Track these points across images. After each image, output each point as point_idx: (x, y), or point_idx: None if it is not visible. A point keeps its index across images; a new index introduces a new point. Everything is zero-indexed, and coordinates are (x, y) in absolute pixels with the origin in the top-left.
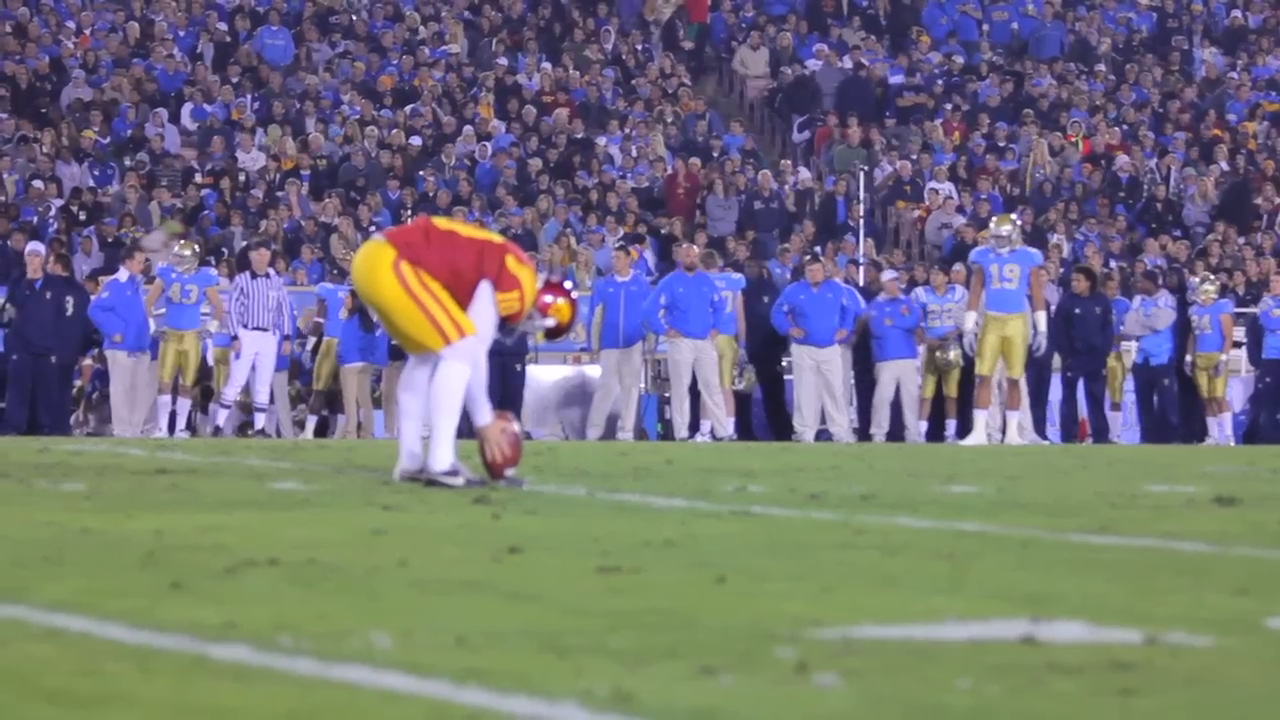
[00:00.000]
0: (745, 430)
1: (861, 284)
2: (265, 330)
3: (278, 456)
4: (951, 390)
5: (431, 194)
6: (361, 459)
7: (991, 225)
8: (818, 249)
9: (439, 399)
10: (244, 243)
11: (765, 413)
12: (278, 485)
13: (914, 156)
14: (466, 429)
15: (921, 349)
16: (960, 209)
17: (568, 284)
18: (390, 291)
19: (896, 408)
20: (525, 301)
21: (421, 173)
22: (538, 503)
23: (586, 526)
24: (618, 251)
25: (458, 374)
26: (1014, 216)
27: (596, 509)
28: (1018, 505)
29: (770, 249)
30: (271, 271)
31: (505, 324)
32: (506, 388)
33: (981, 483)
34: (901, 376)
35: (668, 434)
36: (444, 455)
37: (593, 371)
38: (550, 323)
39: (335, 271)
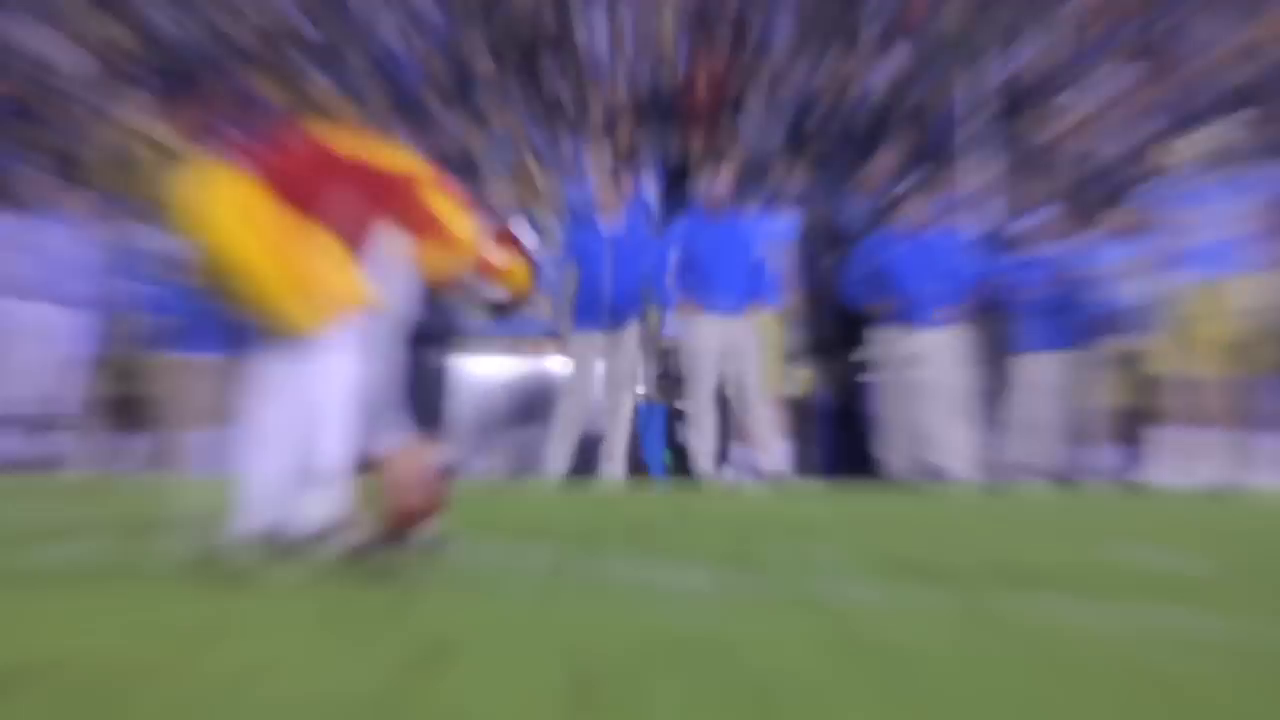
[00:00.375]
0: (804, 461)
1: (984, 234)
2: None
3: (34, 500)
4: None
5: (318, 97)
6: (169, 505)
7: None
8: (915, 179)
9: (313, 413)
10: None
11: (834, 433)
12: (37, 552)
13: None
14: (358, 461)
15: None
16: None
17: (523, 233)
18: (234, 239)
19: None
20: (458, 259)
21: (305, 64)
22: (471, 580)
23: (548, 618)
24: (603, 183)
25: (342, 374)
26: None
27: (564, 591)
28: (1252, 584)
29: (839, 179)
30: None
31: (427, 294)
32: (423, 396)
33: (1192, 544)
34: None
35: (681, 467)
36: (317, 506)
37: (559, 367)
38: (496, 292)
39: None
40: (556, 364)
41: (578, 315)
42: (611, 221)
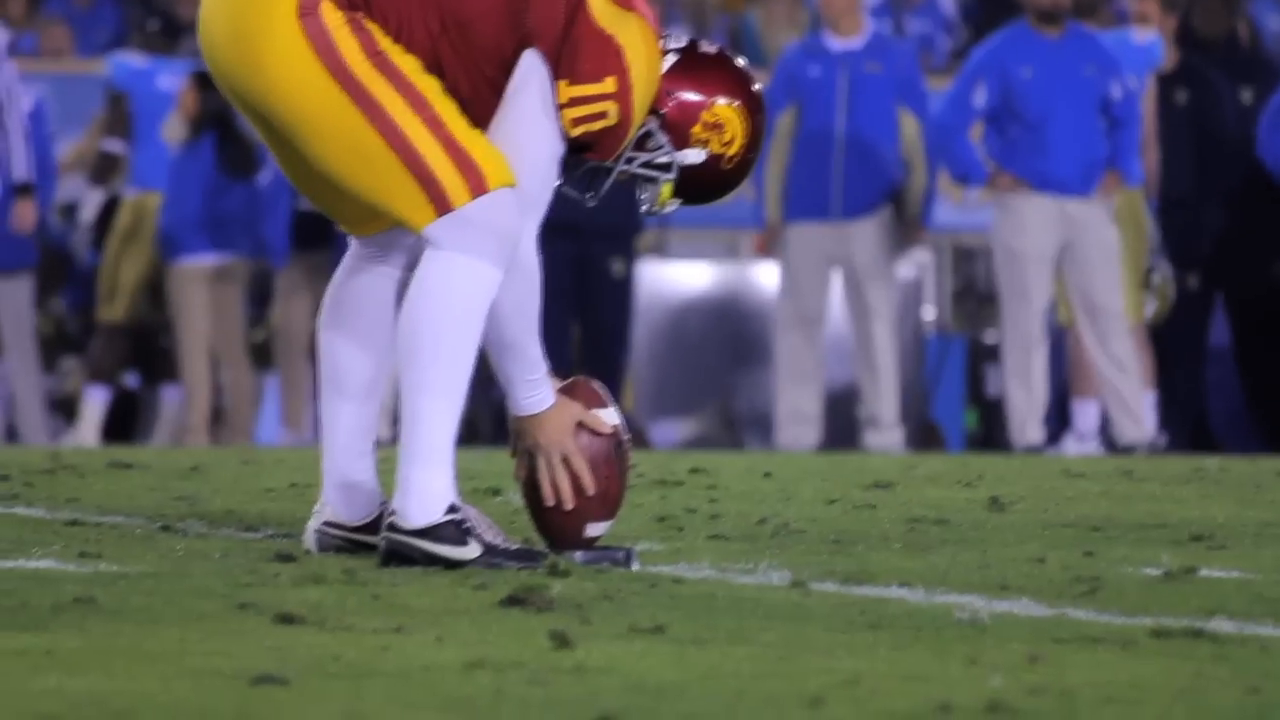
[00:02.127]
0: (1178, 425)
1: None
2: None
3: (11, 491)
4: None
5: None
6: (219, 492)
7: None
8: None
9: (421, 348)
10: None
11: (1233, 382)
12: (27, 563)
13: None
14: (489, 424)
15: None
16: None
17: (737, 59)
18: (299, 83)
19: None
20: (633, 104)
21: None
22: (664, 608)
23: (783, 666)
24: None
25: (468, 286)
26: None
27: (812, 623)
28: None
29: None
30: None
31: (583, 162)
32: (592, 322)
33: None
34: None
35: (991, 434)
36: (430, 489)
37: (768, 279)
38: (696, 155)
39: (149, 34)
40: (765, 275)
41: (796, 197)
42: (847, 36)
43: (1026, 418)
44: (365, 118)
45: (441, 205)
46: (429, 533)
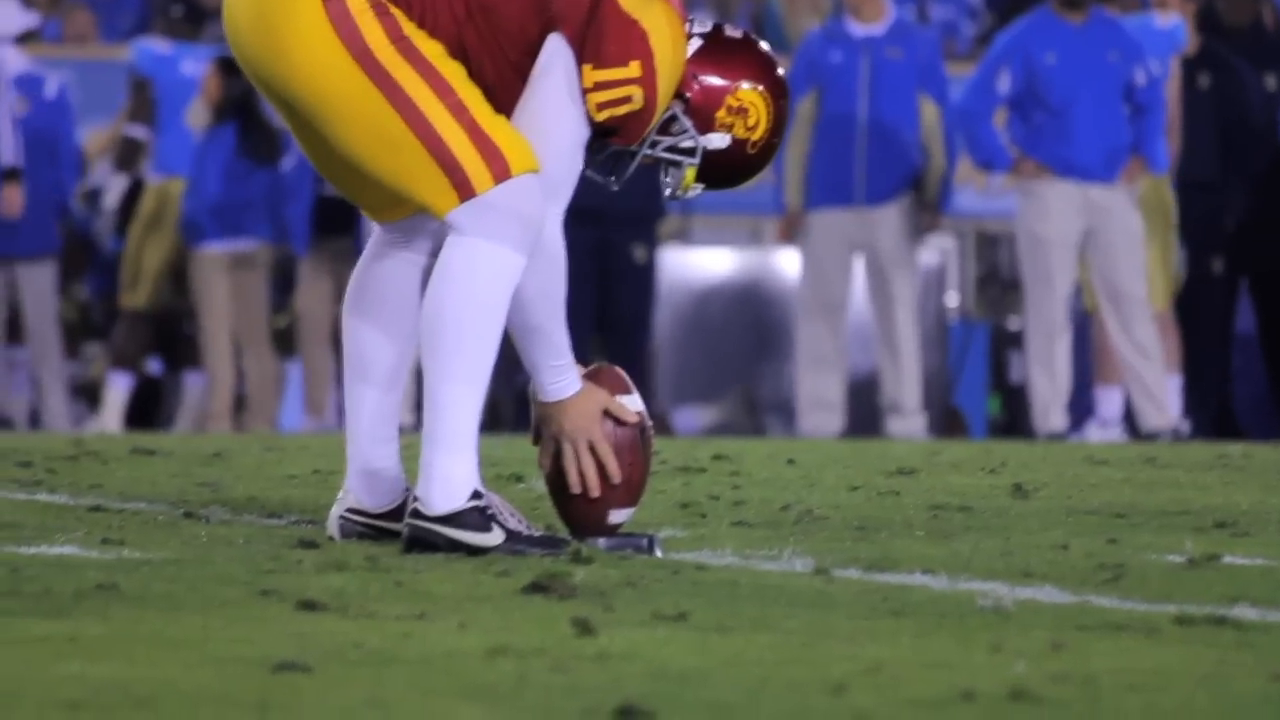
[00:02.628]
0: (1200, 411)
1: None
2: None
3: (34, 478)
4: None
5: None
6: (242, 479)
7: None
8: None
9: (444, 335)
10: None
11: (1268, 369)
12: (50, 550)
13: None
14: (512, 410)
15: None
16: None
17: (761, 44)
18: (323, 68)
19: None
20: (658, 88)
21: None
22: (687, 595)
23: (806, 654)
24: None
25: (491, 272)
26: None
27: (835, 610)
28: None
29: None
30: None
31: (606, 147)
32: (614, 309)
33: None
34: None
35: (1014, 421)
36: (453, 475)
37: (790, 265)
38: (720, 140)
39: (172, 20)
40: (786, 261)
41: (818, 181)
42: (869, 22)
43: (1050, 404)
44: (389, 102)
45: (465, 190)
46: (452, 519)
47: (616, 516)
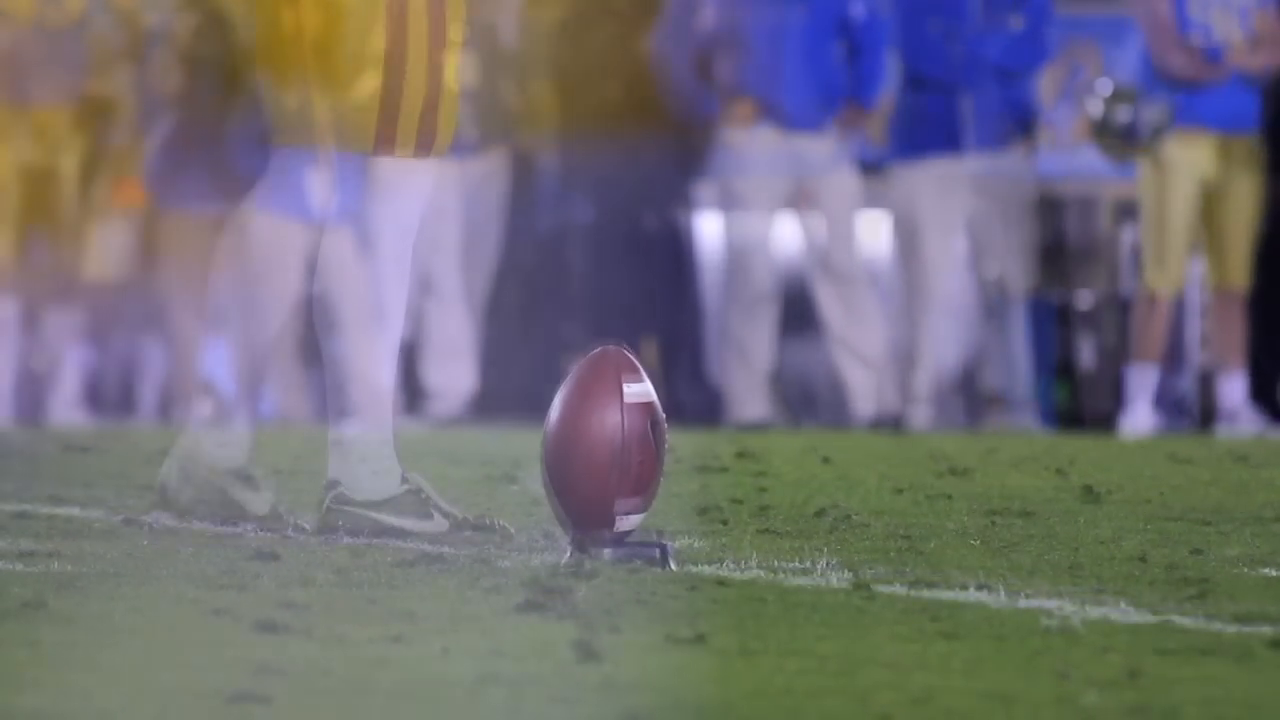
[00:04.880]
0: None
1: None
2: None
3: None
4: None
5: None
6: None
7: None
8: None
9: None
10: None
11: None
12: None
13: None
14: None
15: None
16: None
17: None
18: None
19: None
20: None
21: None
22: (706, 614)
23: (843, 682)
24: None
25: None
26: None
27: (877, 631)
28: None
29: None
30: None
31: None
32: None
33: None
34: None
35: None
36: (371, 458)
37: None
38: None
39: None
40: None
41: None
42: None
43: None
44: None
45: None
46: (387, 505)
47: (622, 509)
